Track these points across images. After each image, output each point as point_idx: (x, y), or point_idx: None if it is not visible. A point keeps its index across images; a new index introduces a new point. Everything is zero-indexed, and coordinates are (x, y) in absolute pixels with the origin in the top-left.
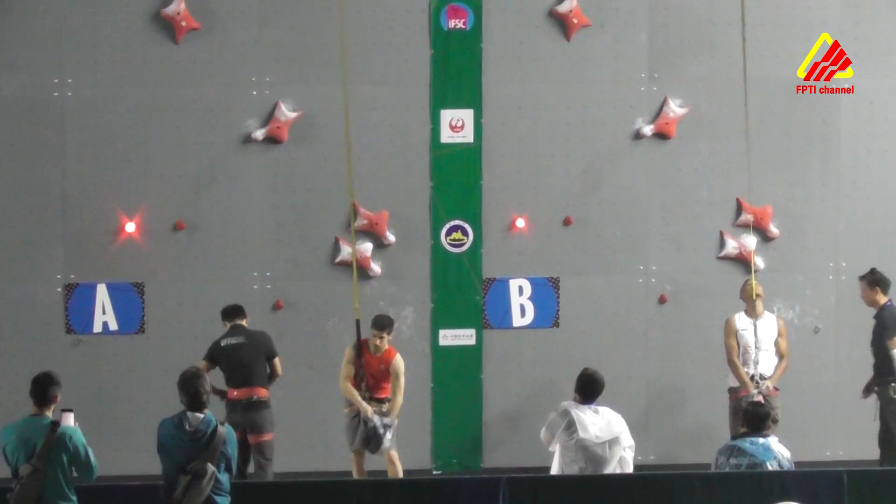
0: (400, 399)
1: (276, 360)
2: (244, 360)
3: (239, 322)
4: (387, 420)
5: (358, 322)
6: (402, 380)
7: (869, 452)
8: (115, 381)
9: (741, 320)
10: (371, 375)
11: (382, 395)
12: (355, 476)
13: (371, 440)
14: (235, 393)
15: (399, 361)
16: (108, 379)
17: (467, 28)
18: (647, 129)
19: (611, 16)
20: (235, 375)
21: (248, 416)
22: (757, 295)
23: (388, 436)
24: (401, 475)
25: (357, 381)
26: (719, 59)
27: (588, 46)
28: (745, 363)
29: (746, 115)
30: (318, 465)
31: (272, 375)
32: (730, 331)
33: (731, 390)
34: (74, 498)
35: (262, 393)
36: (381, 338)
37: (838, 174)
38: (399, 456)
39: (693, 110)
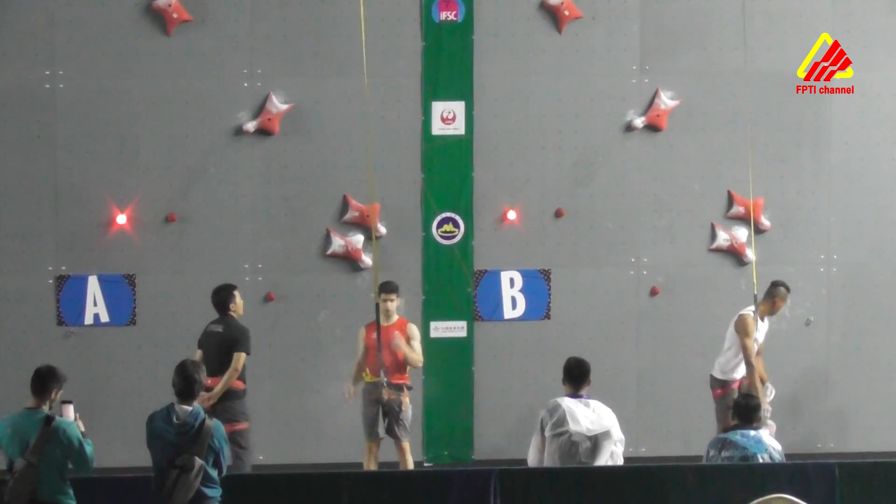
0: (415, 356)
1: (240, 356)
2: (218, 349)
3: (225, 311)
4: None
5: (377, 306)
6: (418, 341)
7: (860, 445)
8: (106, 373)
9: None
10: (388, 349)
11: (401, 381)
12: (368, 468)
13: (391, 421)
14: (209, 381)
15: (414, 327)
16: (100, 371)
17: (459, 20)
18: (639, 122)
19: (603, 8)
20: (211, 363)
21: (219, 405)
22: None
23: (409, 415)
24: (411, 467)
25: (377, 367)
26: (711, 52)
27: (580, 38)
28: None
29: (747, 108)
30: (310, 457)
31: (230, 368)
32: (750, 330)
33: (721, 383)
34: (70, 491)
35: (236, 383)
36: (392, 300)
37: (830, 167)
38: (390, 447)
39: (684, 103)
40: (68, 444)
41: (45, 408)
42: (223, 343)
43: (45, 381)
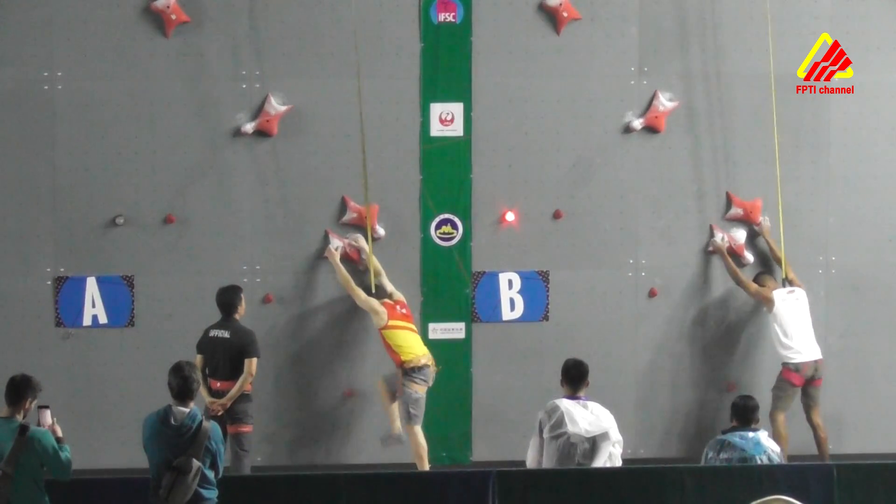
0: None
1: (252, 361)
2: (227, 354)
3: (230, 314)
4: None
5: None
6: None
7: (858, 446)
8: (104, 375)
9: None
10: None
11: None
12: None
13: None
14: (219, 384)
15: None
16: (98, 372)
17: (457, 21)
18: (637, 123)
19: (601, 9)
20: (219, 368)
21: (228, 407)
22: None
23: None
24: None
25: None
26: (709, 54)
27: (578, 40)
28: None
29: (773, 110)
30: (309, 459)
31: (244, 373)
32: None
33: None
34: (47, 499)
35: (245, 386)
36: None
37: (828, 168)
38: (387, 449)
39: (683, 104)
40: (43, 453)
41: (20, 417)
42: (233, 348)
43: (19, 389)
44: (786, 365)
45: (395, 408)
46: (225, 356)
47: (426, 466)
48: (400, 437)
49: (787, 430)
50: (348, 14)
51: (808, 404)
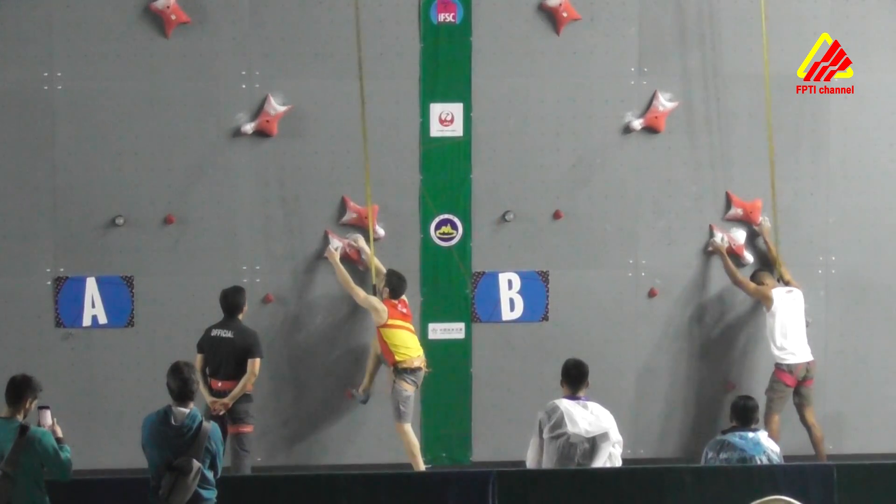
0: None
1: (256, 361)
2: (230, 354)
3: (234, 314)
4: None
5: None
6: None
7: (858, 446)
8: (104, 375)
9: None
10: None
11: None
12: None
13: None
14: (220, 384)
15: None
16: (98, 373)
17: (457, 22)
18: (637, 123)
19: (601, 10)
20: (221, 368)
21: (230, 407)
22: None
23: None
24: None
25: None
26: (709, 54)
27: (578, 40)
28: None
29: (768, 109)
30: (309, 459)
31: (248, 373)
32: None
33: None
34: (47, 499)
35: (247, 386)
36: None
37: (828, 168)
38: (388, 449)
39: (683, 104)
40: (44, 453)
41: (20, 417)
42: (236, 348)
43: (20, 389)
44: (779, 366)
45: (372, 371)
46: (228, 356)
47: (420, 464)
48: (363, 399)
49: (779, 431)
50: (348, 14)
51: (801, 404)
